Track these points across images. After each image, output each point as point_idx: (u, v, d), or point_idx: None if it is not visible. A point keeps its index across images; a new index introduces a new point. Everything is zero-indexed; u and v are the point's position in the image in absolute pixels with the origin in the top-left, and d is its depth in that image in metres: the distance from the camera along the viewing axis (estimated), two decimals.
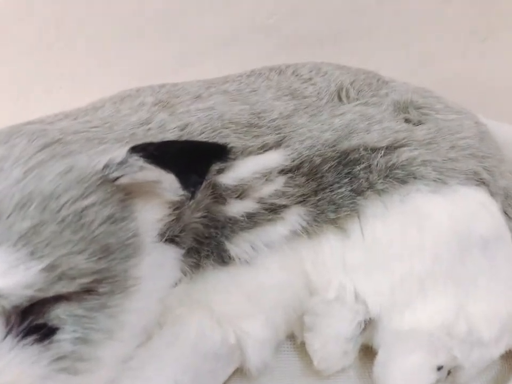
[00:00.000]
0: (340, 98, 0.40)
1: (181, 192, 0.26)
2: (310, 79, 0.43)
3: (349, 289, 0.33)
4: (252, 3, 0.58)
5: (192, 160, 0.26)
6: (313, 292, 0.35)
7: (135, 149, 0.26)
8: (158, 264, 0.30)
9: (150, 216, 0.29)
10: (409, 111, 0.39)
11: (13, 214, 0.24)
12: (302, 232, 0.34)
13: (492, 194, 0.36)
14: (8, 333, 0.24)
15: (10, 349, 0.24)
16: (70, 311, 0.26)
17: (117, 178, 0.27)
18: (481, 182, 0.35)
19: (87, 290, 0.26)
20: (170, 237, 0.30)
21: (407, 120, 0.39)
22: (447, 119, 0.40)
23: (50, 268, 0.23)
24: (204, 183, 0.27)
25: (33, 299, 0.24)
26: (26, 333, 0.25)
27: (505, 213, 0.38)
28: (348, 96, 0.40)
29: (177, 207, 0.29)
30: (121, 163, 0.26)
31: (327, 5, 0.59)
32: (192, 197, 0.27)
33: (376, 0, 0.59)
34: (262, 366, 0.32)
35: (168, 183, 0.27)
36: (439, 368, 0.31)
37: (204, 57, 0.61)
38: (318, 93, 0.40)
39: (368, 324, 0.34)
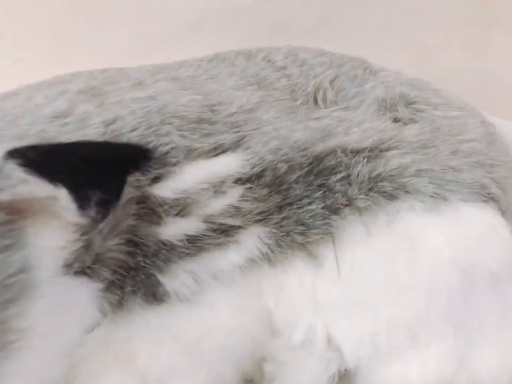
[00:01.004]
0: (315, 101, 0.33)
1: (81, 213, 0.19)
2: (284, 67, 0.35)
3: (321, 332, 0.26)
4: None
5: (96, 170, 0.19)
6: (276, 332, 0.28)
7: (12, 154, 0.19)
8: (61, 306, 0.22)
9: (48, 243, 0.21)
10: (398, 108, 0.32)
11: None
12: (262, 260, 0.26)
13: (503, 212, 0.29)
14: None
15: None
16: None
17: None
18: (490, 198, 0.28)
19: None
20: (79, 269, 0.23)
21: (395, 120, 0.32)
22: (446, 116, 0.33)
23: None
24: (117, 201, 0.20)
25: None
26: None
27: None
28: (324, 100, 0.33)
29: (85, 231, 0.22)
30: None
31: None
32: (101, 219, 0.20)
33: None
34: None
35: (65, 200, 0.19)
36: None
37: (171, 42, 0.54)
38: (293, 90, 0.33)
39: (343, 376, 0.27)
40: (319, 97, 0.33)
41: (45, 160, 0.18)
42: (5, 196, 0.19)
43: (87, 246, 0.22)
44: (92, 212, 0.19)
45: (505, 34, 0.57)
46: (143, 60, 0.53)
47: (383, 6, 0.54)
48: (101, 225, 0.21)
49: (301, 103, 0.33)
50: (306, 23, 0.54)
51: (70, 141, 0.21)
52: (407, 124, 0.32)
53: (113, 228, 0.22)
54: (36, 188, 0.19)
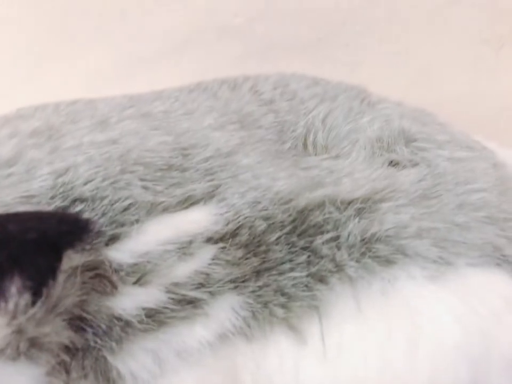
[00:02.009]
0: (305, 146, 0.30)
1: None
2: (272, 101, 0.32)
3: None
4: None
5: (18, 252, 0.16)
6: None
7: None
8: None
9: None
10: (397, 148, 0.29)
11: None
12: (237, 335, 0.23)
13: None
14: None
15: None
16: None
17: None
18: (504, 260, 0.24)
19: None
20: (14, 355, 0.19)
21: (392, 163, 0.28)
22: (453, 157, 0.29)
23: None
24: (47, 285, 0.16)
25: None
26: None
27: None
28: (315, 145, 0.30)
29: (13, 315, 0.18)
30: None
31: (308, 3, 0.49)
32: (30, 304, 0.16)
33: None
34: None
35: None
36: None
37: (156, 62, 0.51)
38: (281, 130, 0.30)
39: None
40: (309, 141, 0.30)
41: None
42: None
43: (19, 331, 0.19)
44: (11, 302, 0.15)
45: None
46: (129, 80, 0.51)
47: (384, 25, 0.51)
48: (32, 310, 0.17)
49: (289, 148, 0.29)
50: (300, 42, 0.51)
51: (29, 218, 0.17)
52: (406, 167, 0.28)
53: (50, 309, 0.19)
54: None
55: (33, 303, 0.17)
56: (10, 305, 0.16)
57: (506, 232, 0.25)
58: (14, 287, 0.15)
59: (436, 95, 0.55)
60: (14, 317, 0.18)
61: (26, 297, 0.16)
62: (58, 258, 0.16)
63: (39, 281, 0.16)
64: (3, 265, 0.15)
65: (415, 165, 0.28)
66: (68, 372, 0.21)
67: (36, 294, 0.16)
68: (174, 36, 0.50)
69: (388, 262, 0.23)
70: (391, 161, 0.29)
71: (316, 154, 0.30)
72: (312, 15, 0.50)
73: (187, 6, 0.48)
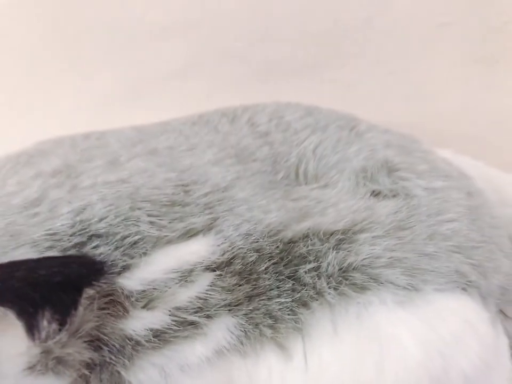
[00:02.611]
0: (297, 176, 0.33)
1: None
2: (267, 133, 0.35)
3: None
4: (215, 23, 0.51)
5: (46, 290, 0.19)
6: None
7: None
8: None
9: (8, 351, 0.22)
10: (379, 179, 0.32)
11: None
12: (231, 351, 0.26)
13: (484, 298, 0.28)
14: None
15: None
16: None
17: None
18: (469, 286, 0.27)
19: None
20: (43, 371, 0.23)
21: (374, 193, 0.31)
22: (429, 187, 0.32)
23: None
24: (68, 322, 0.20)
25: None
26: None
27: (502, 312, 0.30)
28: (305, 175, 0.33)
29: (43, 339, 0.22)
30: None
31: (306, 27, 0.51)
32: (56, 332, 0.20)
33: (362, 22, 0.51)
34: None
35: (16, 320, 0.19)
36: None
37: (162, 85, 0.54)
38: (274, 161, 0.33)
39: None
40: (301, 171, 0.33)
41: None
42: None
43: (48, 352, 0.22)
44: (42, 332, 0.19)
45: (508, 73, 0.56)
46: (135, 102, 0.54)
47: (378, 47, 0.53)
48: (58, 336, 0.21)
49: (281, 177, 0.32)
50: (298, 65, 0.53)
51: (27, 259, 0.21)
52: (386, 197, 0.31)
53: (73, 334, 0.22)
54: None
55: (59, 330, 0.20)
56: (42, 334, 0.19)
57: (472, 259, 0.28)
58: (45, 320, 0.19)
59: (429, 112, 0.57)
60: (44, 341, 0.22)
61: (54, 327, 0.20)
62: (79, 294, 0.20)
63: (64, 313, 0.20)
64: (37, 303, 0.18)
65: (395, 195, 0.31)
66: (88, 383, 0.25)
67: (62, 324, 0.20)
68: (179, 59, 0.53)
69: (362, 288, 0.26)
70: (373, 191, 0.32)
71: (306, 183, 0.33)
72: (308, 38, 0.52)
73: (191, 31, 0.51)
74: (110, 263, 0.23)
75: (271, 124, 0.36)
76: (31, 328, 0.19)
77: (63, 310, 0.19)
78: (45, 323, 0.19)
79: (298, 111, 0.38)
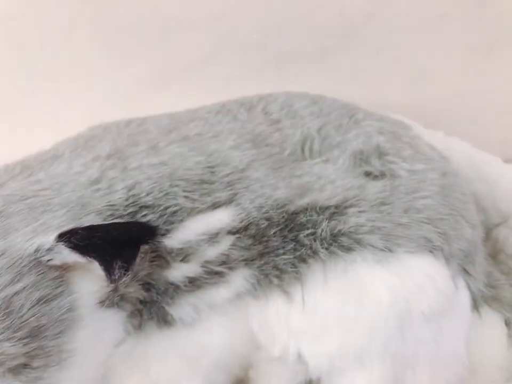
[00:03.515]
0: (302, 151, 0.39)
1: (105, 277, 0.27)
2: (278, 121, 0.41)
3: (292, 350, 0.34)
4: (234, 17, 0.57)
5: (117, 246, 0.27)
6: (259, 348, 0.36)
7: (61, 236, 0.27)
8: (98, 330, 0.31)
9: (87, 289, 0.30)
10: (371, 161, 0.38)
11: None
12: (247, 295, 0.34)
13: (447, 258, 0.35)
14: None
15: None
16: (8, 383, 0.28)
17: (49, 260, 0.28)
18: (434, 249, 0.34)
19: (23, 366, 0.27)
20: (110, 304, 0.31)
21: (367, 173, 0.38)
22: (411, 169, 0.38)
23: None
24: (131, 268, 0.28)
25: None
26: None
27: (465, 270, 0.37)
28: (311, 150, 0.39)
29: (110, 282, 0.30)
30: (49, 249, 0.27)
31: (314, 20, 0.57)
32: (120, 279, 0.28)
33: (366, 15, 0.56)
34: None
35: (96, 267, 0.27)
36: None
37: (188, 73, 0.60)
38: (282, 142, 0.39)
39: (311, 382, 0.35)
40: (306, 147, 0.39)
41: (82, 243, 0.26)
42: (57, 262, 0.28)
43: (114, 290, 0.31)
44: (115, 275, 0.27)
45: (502, 61, 0.60)
46: (165, 88, 0.61)
47: (382, 36, 0.58)
48: (123, 279, 0.29)
49: (288, 154, 0.39)
50: (309, 53, 0.58)
51: (101, 224, 0.29)
52: (376, 177, 0.38)
53: (132, 278, 0.30)
54: (77, 259, 0.27)
55: (124, 275, 0.28)
56: (114, 277, 0.27)
57: (439, 229, 0.35)
58: (117, 267, 0.27)
59: (429, 95, 0.62)
60: (114, 282, 0.30)
61: (122, 272, 0.27)
62: (138, 250, 0.28)
63: (128, 263, 0.27)
64: (112, 254, 0.26)
65: (383, 175, 0.38)
66: (141, 315, 0.33)
67: (126, 270, 0.28)
68: (202, 50, 0.59)
69: (348, 249, 0.33)
70: (366, 171, 0.39)
71: (311, 158, 0.39)
72: (318, 30, 0.57)
73: (213, 25, 0.57)
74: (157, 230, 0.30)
75: (281, 112, 0.42)
76: (108, 273, 0.27)
77: (128, 260, 0.27)
78: (116, 269, 0.27)
79: (305, 100, 0.44)
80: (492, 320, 0.39)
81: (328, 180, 0.37)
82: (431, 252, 0.34)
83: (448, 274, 0.34)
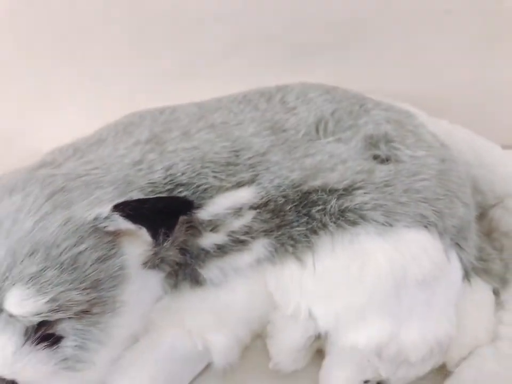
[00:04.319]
0: (317, 131, 0.44)
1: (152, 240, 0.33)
2: (294, 108, 0.46)
3: (303, 309, 0.40)
4: (256, 12, 0.61)
5: (161, 215, 0.33)
6: (275, 306, 0.42)
7: (116, 207, 0.33)
8: (142, 287, 0.37)
9: (134, 252, 0.36)
10: (380, 146, 0.43)
11: (25, 260, 0.31)
12: (266, 261, 0.40)
13: (440, 233, 0.40)
14: (26, 341, 0.33)
15: (28, 353, 0.33)
16: (72, 326, 0.34)
17: (105, 227, 0.34)
18: (429, 224, 0.39)
19: (84, 312, 0.34)
20: (152, 265, 0.38)
21: (375, 157, 0.43)
22: (413, 155, 0.43)
23: (51, 301, 0.31)
24: (172, 234, 0.33)
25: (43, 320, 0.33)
26: (40, 341, 0.33)
27: (458, 244, 0.42)
28: (325, 130, 0.44)
29: (155, 245, 0.36)
30: (106, 218, 0.33)
31: (328, 14, 0.60)
32: (164, 242, 0.34)
33: (375, 9, 0.59)
34: (226, 365, 0.40)
35: (143, 233, 0.33)
36: (366, 382, 0.38)
37: (214, 63, 0.64)
38: (297, 124, 0.44)
39: (319, 338, 0.41)
40: (321, 127, 0.44)
41: (133, 213, 0.32)
42: (111, 229, 0.34)
43: (156, 253, 0.37)
44: (159, 240, 0.33)
45: (504, 52, 0.63)
46: (188, 80, 0.65)
47: (394, 30, 0.61)
48: (164, 243, 0.35)
49: (303, 134, 0.43)
50: (324, 46, 0.62)
51: (153, 196, 0.35)
52: (383, 161, 0.42)
53: (171, 243, 0.36)
54: (128, 226, 0.33)
55: (165, 240, 0.34)
56: (158, 242, 0.33)
57: (434, 207, 0.40)
58: (161, 233, 0.33)
59: (435, 85, 0.66)
60: (157, 246, 0.36)
61: (164, 238, 0.33)
62: (177, 220, 0.33)
63: (170, 230, 0.33)
64: (157, 223, 0.32)
65: (389, 159, 0.43)
66: (176, 276, 0.39)
67: (167, 236, 0.33)
68: (226, 42, 0.63)
69: (354, 223, 0.38)
70: (374, 155, 0.43)
71: (325, 137, 0.43)
72: (332, 24, 0.61)
73: (236, 19, 0.60)
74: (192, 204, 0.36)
75: (297, 101, 0.47)
76: (153, 238, 0.32)
77: (169, 228, 0.33)
78: (160, 235, 0.33)
79: (319, 90, 0.49)
80: (481, 289, 0.44)
81: (339, 160, 0.41)
82: (426, 227, 0.39)
83: (441, 247, 0.39)
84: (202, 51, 0.63)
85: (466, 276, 0.43)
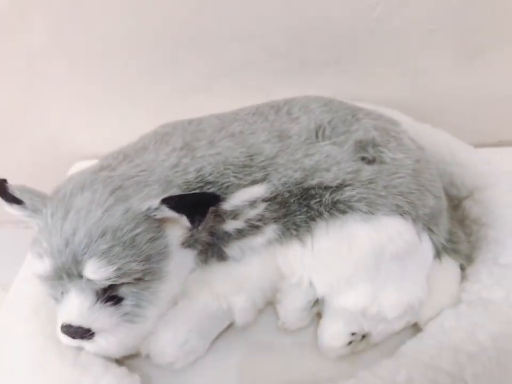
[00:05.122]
0: (317, 136, 0.53)
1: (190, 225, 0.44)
2: (298, 118, 0.56)
3: (305, 279, 0.50)
4: (266, 32, 0.71)
5: (197, 206, 0.44)
6: (283, 277, 0.52)
7: (164, 200, 0.44)
8: (180, 261, 0.48)
9: (175, 234, 0.47)
10: (368, 149, 0.53)
11: (98, 240, 0.43)
12: (275, 242, 0.51)
13: (414, 219, 0.50)
14: (97, 300, 0.45)
15: (99, 309, 0.44)
16: (130, 289, 0.45)
17: (155, 215, 0.45)
18: (404, 213, 0.49)
19: (139, 279, 0.45)
20: (187, 245, 0.49)
21: (363, 158, 0.53)
22: (394, 157, 0.53)
23: (117, 270, 0.43)
24: (204, 221, 0.44)
25: (111, 284, 0.44)
26: (107, 300, 0.45)
27: (430, 229, 0.52)
28: (323, 135, 0.53)
29: (191, 229, 0.47)
30: (156, 209, 0.44)
31: (328, 31, 0.70)
32: (198, 227, 0.45)
33: (370, 29, 0.69)
34: (246, 323, 0.51)
35: (184, 219, 0.44)
36: (353, 334, 0.49)
37: (227, 76, 0.75)
38: (300, 130, 0.54)
39: (318, 302, 0.52)
40: (320, 133, 0.53)
41: (177, 204, 0.43)
42: (160, 216, 0.45)
43: (191, 235, 0.48)
44: (196, 225, 0.43)
45: (487, 64, 0.72)
46: (207, 92, 0.75)
47: (384, 45, 0.70)
48: (199, 228, 0.46)
49: (305, 138, 0.53)
50: (324, 61, 0.72)
51: (188, 191, 0.46)
52: (370, 162, 0.52)
53: (203, 227, 0.47)
54: (172, 215, 0.44)
55: (199, 225, 0.45)
56: (195, 226, 0.44)
57: (407, 199, 0.50)
58: (197, 220, 0.43)
59: (422, 94, 0.76)
60: (194, 229, 0.47)
61: (198, 225, 0.44)
62: (208, 209, 0.44)
63: (201, 219, 0.44)
64: (194, 212, 0.43)
65: (374, 161, 0.53)
66: (206, 253, 0.50)
67: (200, 223, 0.44)
68: (241, 58, 0.73)
69: (343, 212, 0.49)
70: (363, 157, 0.53)
71: (323, 140, 0.53)
72: (330, 43, 0.70)
73: (247, 38, 0.70)
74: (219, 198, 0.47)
75: (300, 112, 0.56)
76: (191, 223, 0.43)
77: (202, 216, 0.44)
78: (196, 221, 0.44)
79: (319, 102, 0.58)
80: (450, 265, 0.54)
81: (334, 161, 0.51)
82: (401, 215, 0.49)
83: (414, 231, 0.49)
84: (219, 68, 0.74)
85: (438, 254, 0.54)
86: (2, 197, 0.47)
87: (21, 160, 0.86)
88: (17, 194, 0.47)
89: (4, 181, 0.47)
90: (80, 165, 0.80)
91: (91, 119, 0.80)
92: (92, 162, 0.53)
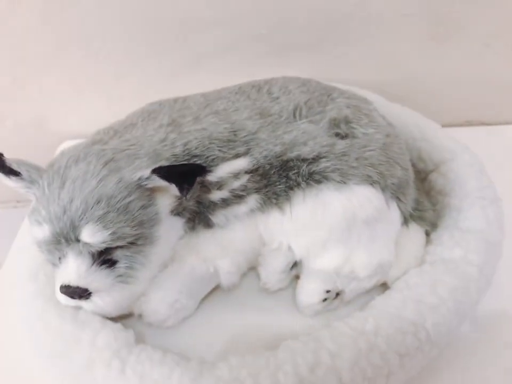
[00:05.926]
0: (294, 116, 0.58)
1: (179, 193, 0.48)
2: (277, 98, 0.60)
3: (284, 244, 0.55)
4: (249, 16, 0.74)
5: (185, 176, 0.48)
6: (264, 243, 0.57)
7: (154, 170, 0.48)
8: (170, 228, 0.53)
9: (164, 203, 0.51)
10: (341, 126, 0.58)
11: (94, 207, 0.46)
12: (257, 210, 0.55)
13: (382, 188, 0.55)
14: (93, 262, 0.48)
15: (95, 271, 0.48)
16: (124, 253, 0.49)
17: (146, 184, 0.49)
18: (373, 182, 0.54)
19: (132, 243, 0.49)
20: (176, 213, 0.53)
21: (337, 134, 0.57)
22: (365, 132, 0.58)
23: (112, 234, 0.47)
24: (192, 190, 0.48)
25: (106, 247, 0.48)
26: (102, 263, 0.49)
27: (398, 198, 0.57)
28: (300, 114, 0.58)
29: (179, 197, 0.51)
30: (147, 178, 0.48)
31: (308, 15, 0.73)
32: (187, 195, 0.49)
33: (348, 13, 0.72)
34: (231, 285, 0.56)
35: (173, 188, 0.48)
36: (328, 291, 0.54)
37: (212, 59, 0.78)
38: (280, 111, 0.58)
39: (296, 265, 0.57)
40: (297, 113, 0.58)
41: (166, 173, 0.47)
42: (151, 185, 0.49)
43: (180, 204, 0.52)
44: (184, 193, 0.48)
45: (455, 47, 0.77)
46: (192, 74, 0.79)
47: (361, 29, 0.74)
48: (187, 196, 0.50)
49: (284, 118, 0.57)
50: (307, 44, 0.75)
51: (176, 163, 0.50)
52: (343, 138, 0.57)
53: (191, 196, 0.52)
54: (162, 184, 0.48)
55: (187, 194, 0.49)
56: (183, 195, 0.48)
57: (377, 170, 0.54)
58: (185, 189, 0.47)
59: (394, 76, 0.80)
60: (180, 198, 0.51)
61: (186, 193, 0.48)
62: (195, 179, 0.48)
63: (189, 188, 0.48)
64: (182, 181, 0.47)
65: (347, 136, 0.57)
66: (193, 221, 0.55)
67: (188, 191, 0.48)
68: (224, 41, 0.76)
69: (318, 182, 0.53)
70: (337, 133, 0.58)
71: (300, 119, 0.57)
72: (308, 27, 0.74)
73: (233, 22, 0.74)
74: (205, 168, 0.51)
75: (280, 92, 0.61)
76: (180, 192, 0.47)
77: (190, 185, 0.48)
78: (184, 190, 0.48)
79: (297, 83, 0.63)
80: (416, 231, 0.60)
81: (311, 136, 0.55)
82: (371, 184, 0.54)
83: (383, 199, 0.54)
84: (204, 49, 0.77)
85: (405, 221, 0.59)
86: (0, 170, 0.50)
87: (8, 140, 0.88)
88: (15, 166, 0.50)
89: (1, 154, 0.51)
90: (67, 144, 0.83)
91: (78, 100, 0.83)
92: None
